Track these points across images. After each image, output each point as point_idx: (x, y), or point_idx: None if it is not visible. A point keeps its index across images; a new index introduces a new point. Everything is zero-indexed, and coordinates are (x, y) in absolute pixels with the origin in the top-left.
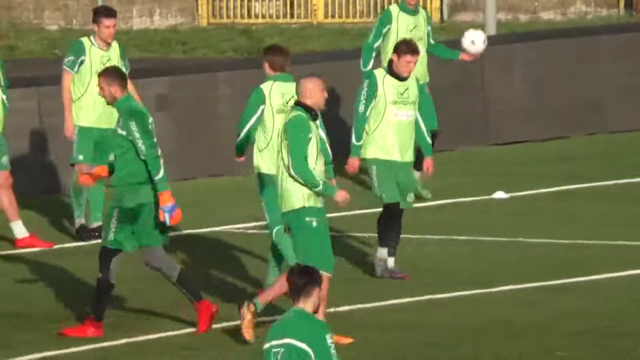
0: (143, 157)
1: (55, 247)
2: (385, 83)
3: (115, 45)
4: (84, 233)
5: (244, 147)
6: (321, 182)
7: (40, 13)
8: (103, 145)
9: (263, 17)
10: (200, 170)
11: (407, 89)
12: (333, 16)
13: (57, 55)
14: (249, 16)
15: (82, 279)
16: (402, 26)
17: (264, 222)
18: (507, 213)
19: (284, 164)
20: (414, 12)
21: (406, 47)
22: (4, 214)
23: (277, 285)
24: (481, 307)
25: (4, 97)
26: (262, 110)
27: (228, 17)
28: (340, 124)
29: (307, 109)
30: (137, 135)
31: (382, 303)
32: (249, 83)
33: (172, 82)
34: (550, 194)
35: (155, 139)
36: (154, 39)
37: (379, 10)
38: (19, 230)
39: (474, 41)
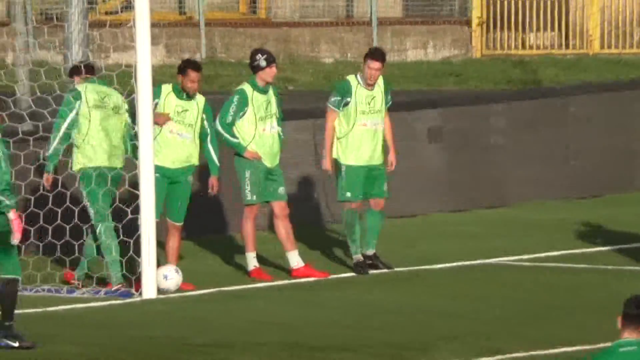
0: None
1: (331, 277)
2: None
3: (380, 82)
4: (362, 268)
5: (60, 151)
6: None
7: (317, 46)
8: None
9: (538, 48)
10: (473, 201)
11: None
12: (609, 47)
13: (289, 90)
14: (524, 47)
15: (358, 309)
16: None
17: (536, 255)
18: None
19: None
20: None
21: None
22: (281, 244)
23: None
24: None
25: (280, 129)
26: (79, 106)
27: (502, 48)
28: (616, 153)
29: None
30: None
31: None
32: (522, 114)
33: (444, 113)
34: None
35: None
36: (427, 71)
37: None
38: (295, 260)
39: (167, 276)
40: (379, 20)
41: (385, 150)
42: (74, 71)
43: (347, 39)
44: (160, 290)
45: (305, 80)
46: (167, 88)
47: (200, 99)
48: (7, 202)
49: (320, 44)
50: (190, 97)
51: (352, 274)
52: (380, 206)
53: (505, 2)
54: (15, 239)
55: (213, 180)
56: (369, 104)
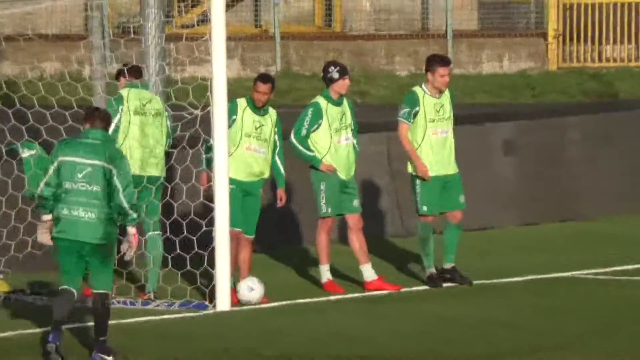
0: None
1: (403, 290)
2: None
3: (447, 92)
4: (435, 281)
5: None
6: None
7: (391, 59)
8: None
9: (614, 60)
10: (547, 215)
11: None
12: None
13: (359, 104)
14: (600, 60)
15: (430, 322)
16: None
17: (611, 268)
18: None
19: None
20: None
21: None
22: (354, 257)
23: None
24: None
25: (355, 141)
26: (121, 110)
27: (578, 61)
28: None
29: None
30: None
31: None
32: (598, 127)
33: (520, 126)
34: None
35: None
36: (503, 84)
37: None
38: (369, 273)
39: (252, 287)
40: (455, 33)
41: None
42: (120, 73)
43: (422, 52)
44: (243, 302)
45: (379, 94)
46: (242, 103)
47: (272, 113)
48: (134, 216)
49: (395, 56)
50: (263, 111)
51: (425, 287)
52: (458, 219)
53: (582, 15)
54: (131, 253)
55: (281, 193)
56: (438, 112)
